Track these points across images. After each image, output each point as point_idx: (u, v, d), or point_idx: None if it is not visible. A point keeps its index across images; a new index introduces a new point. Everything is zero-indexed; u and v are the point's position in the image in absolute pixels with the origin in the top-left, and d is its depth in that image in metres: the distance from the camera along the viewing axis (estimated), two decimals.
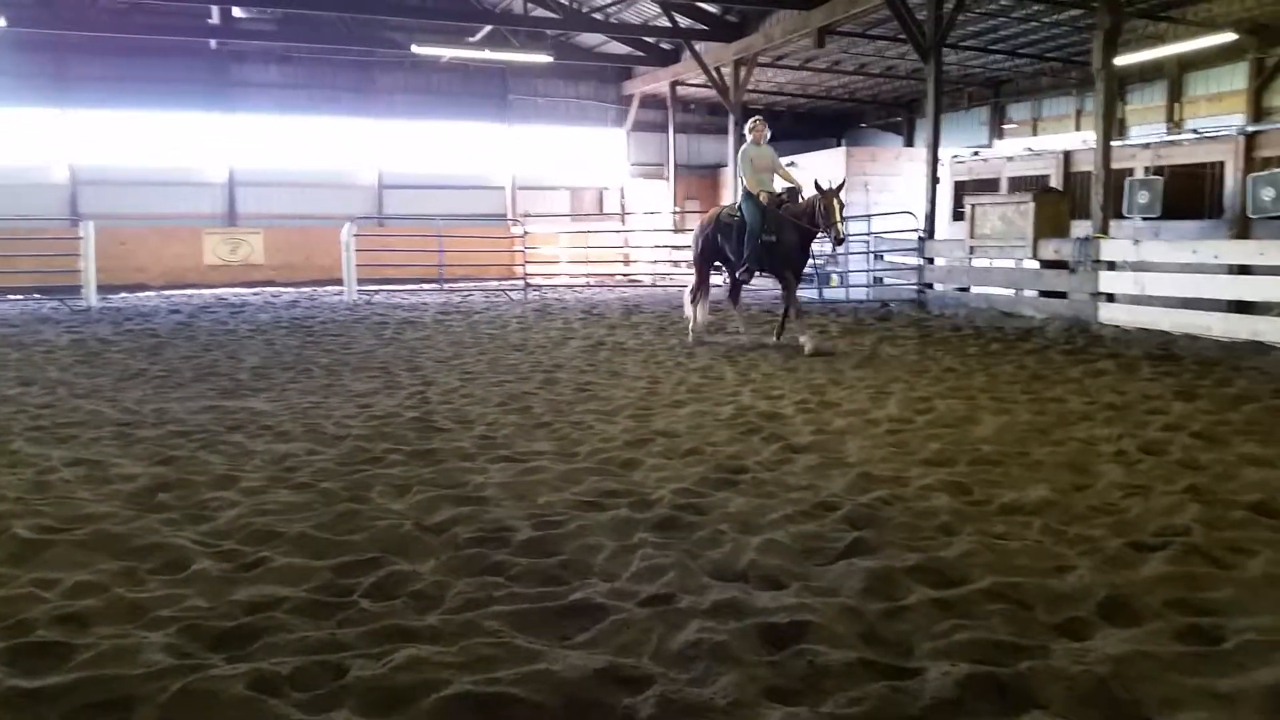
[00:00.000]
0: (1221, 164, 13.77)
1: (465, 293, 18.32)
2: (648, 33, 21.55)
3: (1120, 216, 13.72)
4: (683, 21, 20.04)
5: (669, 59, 22.93)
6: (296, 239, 22.09)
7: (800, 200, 9.74)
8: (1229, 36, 15.57)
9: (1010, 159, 16.97)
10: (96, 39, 20.19)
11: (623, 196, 26.23)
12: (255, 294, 18.75)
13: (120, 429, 5.97)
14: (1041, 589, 3.18)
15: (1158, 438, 5.46)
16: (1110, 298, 11.12)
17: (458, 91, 24.32)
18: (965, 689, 2.46)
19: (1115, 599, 3.08)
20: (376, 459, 5.18)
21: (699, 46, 20.34)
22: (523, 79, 24.65)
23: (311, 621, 2.99)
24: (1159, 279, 10.62)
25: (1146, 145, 14.93)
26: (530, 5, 20.37)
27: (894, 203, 17.24)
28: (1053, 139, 20.01)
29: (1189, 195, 13.91)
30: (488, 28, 20.76)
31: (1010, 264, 12.91)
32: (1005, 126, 23.13)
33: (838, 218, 9.06)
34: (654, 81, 23.79)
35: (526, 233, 19.16)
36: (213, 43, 21.44)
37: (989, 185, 16.59)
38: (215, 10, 19.90)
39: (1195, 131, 15.61)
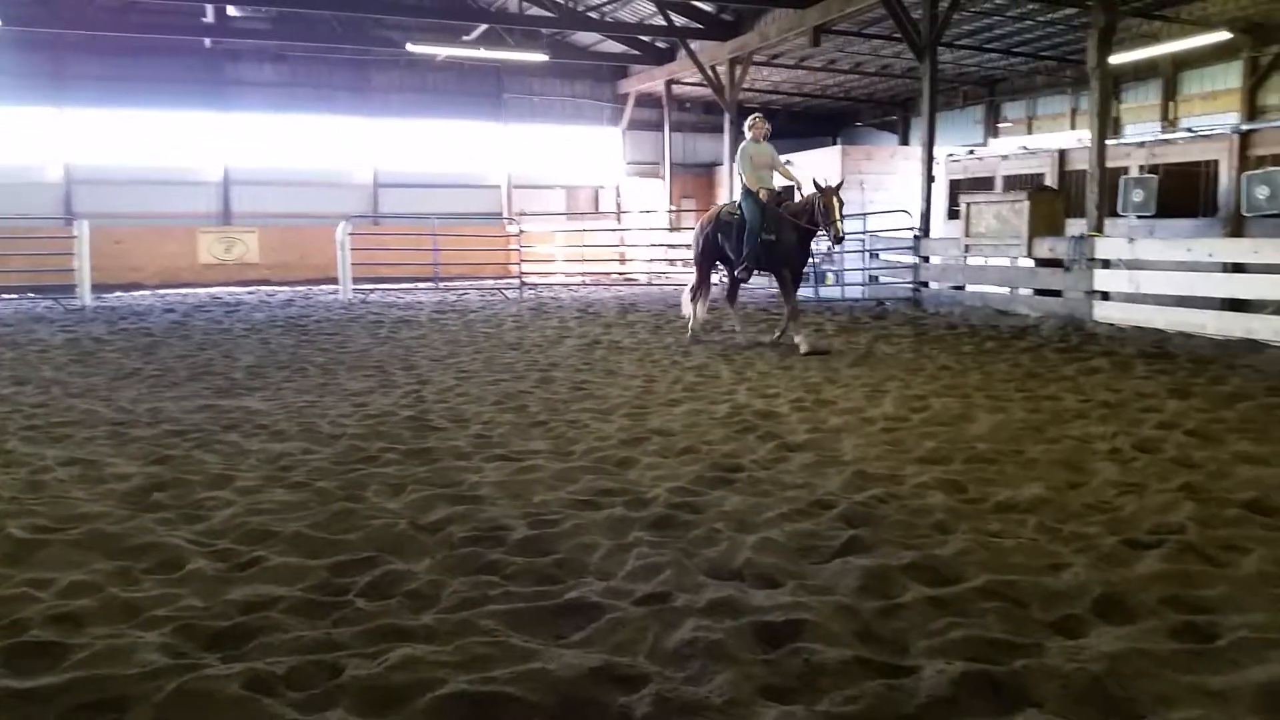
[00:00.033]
0: (1216, 162, 13.82)
1: (461, 291, 18.31)
2: (643, 31, 21.54)
3: (1115, 215, 13.75)
4: (678, 20, 20.03)
5: (664, 58, 22.91)
6: (291, 238, 22.04)
7: (798, 198, 9.74)
8: (1223, 35, 15.60)
9: (1005, 157, 17.02)
10: (93, 38, 20.15)
11: (618, 195, 26.19)
12: (250, 293, 18.73)
13: (115, 428, 5.96)
14: (1036, 587, 3.18)
15: (1152, 436, 5.48)
16: (1105, 296, 11.14)
17: (453, 90, 24.26)
18: (960, 687, 2.47)
19: (1110, 597, 3.09)
20: (372, 458, 5.17)
21: (694, 45, 20.33)
22: (518, 78, 24.60)
23: (307, 621, 2.99)
24: (1153, 277, 10.64)
25: (1141, 144, 14.98)
26: (525, 4, 20.37)
27: (889, 201, 17.25)
28: (1048, 137, 20.02)
29: (1184, 194, 13.95)
30: (483, 26, 20.74)
31: (1005, 262, 12.94)
32: (1000, 125, 23.15)
33: (837, 216, 9.05)
34: (649, 80, 23.76)
35: (522, 231, 19.16)
36: (208, 41, 21.39)
37: (984, 184, 16.63)
38: (210, 9, 19.84)
39: (1190, 130, 15.63)
